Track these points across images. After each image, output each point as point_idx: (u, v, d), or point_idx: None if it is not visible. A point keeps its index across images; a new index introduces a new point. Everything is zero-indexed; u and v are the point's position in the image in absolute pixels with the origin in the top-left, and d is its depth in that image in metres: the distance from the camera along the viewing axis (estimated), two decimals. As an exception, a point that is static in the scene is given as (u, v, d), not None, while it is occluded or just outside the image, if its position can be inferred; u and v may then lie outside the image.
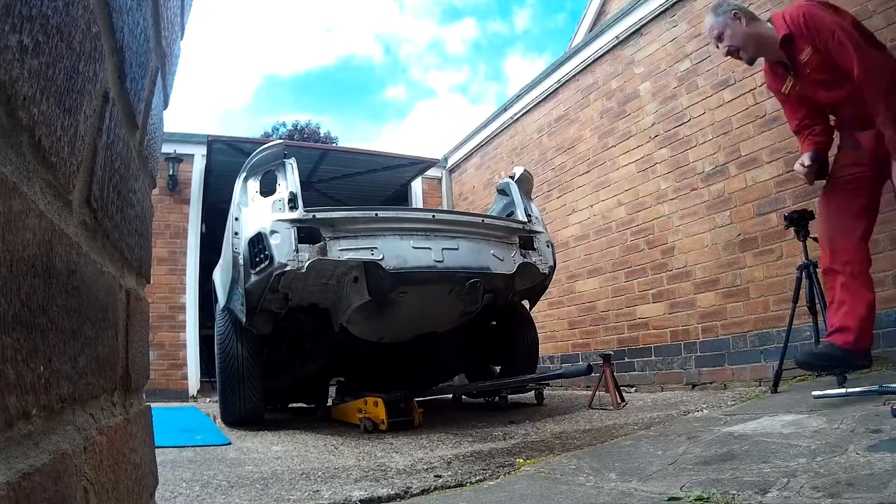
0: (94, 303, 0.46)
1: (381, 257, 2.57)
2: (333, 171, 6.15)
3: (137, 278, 0.66)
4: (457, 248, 2.78)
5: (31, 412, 0.32)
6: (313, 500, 1.39)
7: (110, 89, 0.47)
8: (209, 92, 47.32)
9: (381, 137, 43.87)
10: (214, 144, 5.79)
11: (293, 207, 2.60)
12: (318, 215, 2.62)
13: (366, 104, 47.28)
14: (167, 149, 5.66)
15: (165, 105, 0.76)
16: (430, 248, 2.69)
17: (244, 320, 2.77)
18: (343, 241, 2.59)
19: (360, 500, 1.37)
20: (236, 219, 2.80)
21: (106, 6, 0.43)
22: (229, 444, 2.47)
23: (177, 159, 5.93)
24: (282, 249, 2.49)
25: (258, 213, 2.68)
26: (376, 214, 2.74)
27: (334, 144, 12.94)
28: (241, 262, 2.67)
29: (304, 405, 4.09)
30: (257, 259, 2.57)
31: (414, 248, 2.68)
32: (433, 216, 2.93)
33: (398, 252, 2.63)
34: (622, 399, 3.21)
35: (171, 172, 5.89)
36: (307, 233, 2.55)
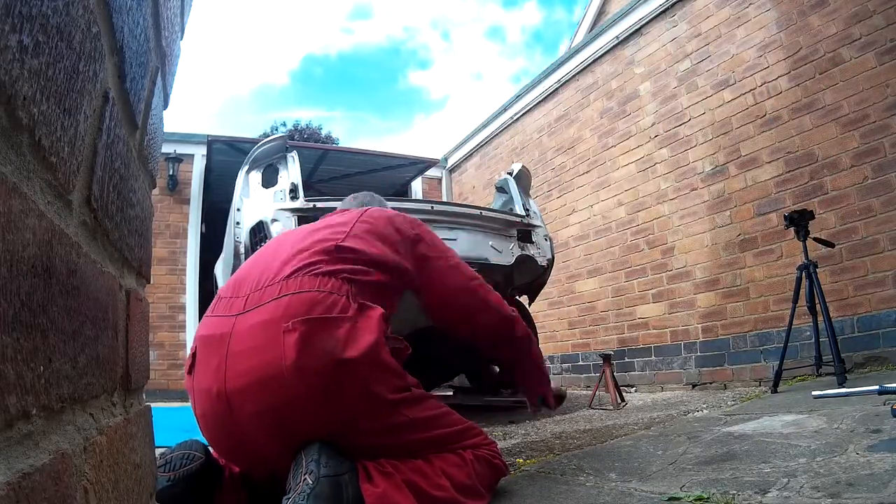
0: (94, 303, 0.46)
1: None
2: (333, 171, 6.14)
3: (137, 278, 0.66)
4: (455, 239, 2.82)
5: (31, 412, 0.32)
6: (313, 500, 1.39)
7: (110, 89, 0.47)
8: (247, 69, 46.72)
9: (424, 125, 43.44)
10: (214, 144, 5.78)
11: (294, 197, 2.65)
12: (319, 205, 2.68)
13: (412, 91, 47.13)
14: (167, 149, 5.66)
15: (165, 105, 0.76)
16: None
17: None
18: None
19: (360, 500, 1.36)
20: (238, 209, 2.84)
21: (106, 6, 0.43)
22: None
23: (177, 159, 5.93)
24: None
25: (260, 203, 2.72)
26: None
27: (335, 144, 12.97)
28: (242, 250, 2.71)
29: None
30: (258, 246, 2.60)
31: None
32: (431, 207, 2.96)
33: None
34: (622, 399, 3.20)
35: (171, 172, 5.89)
36: (308, 221, 2.59)
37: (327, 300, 1.15)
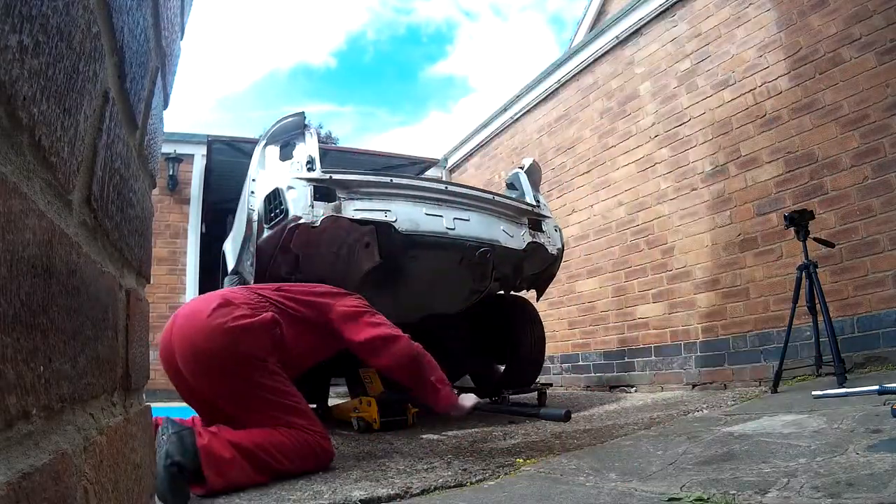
0: (94, 303, 0.46)
1: (394, 219, 2.63)
2: (333, 172, 6.14)
3: (137, 278, 0.66)
4: (468, 220, 2.85)
5: (31, 412, 0.32)
6: (314, 500, 1.39)
7: (110, 89, 0.47)
8: (289, 46, 45.74)
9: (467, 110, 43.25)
10: (214, 144, 5.79)
11: (311, 169, 2.67)
12: (335, 176, 2.69)
13: (458, 79, 46.54)
14: (167, 149, 5.66)
15: (165, 105, 0.76)
16: (441, 216, 2.75)
17: (252, 283, 2.79)
18: (357, 202, 2.64)
19: (360, 500, 1.36)
20: (253, 180, 2.85)
21: (106, 6, 0.43)
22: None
23: (177, 159, 5.93)
24: (297, 203, 2.53)
25: (276, 173, 2.74)
26: (391, 180, 2.82)
27: (334, 144, 12.99)
28: (255, 218, 2.72)
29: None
30: (272, 214, 2.62)
31: (426, 214, 2.75)
32: (446, 187, 2.99)
33: (411, 216, 2.69)
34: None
35: (171, 172, 5.89)
36: (323, 192, 2.61)
37: (244, 299, 1.88)
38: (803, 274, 2.63)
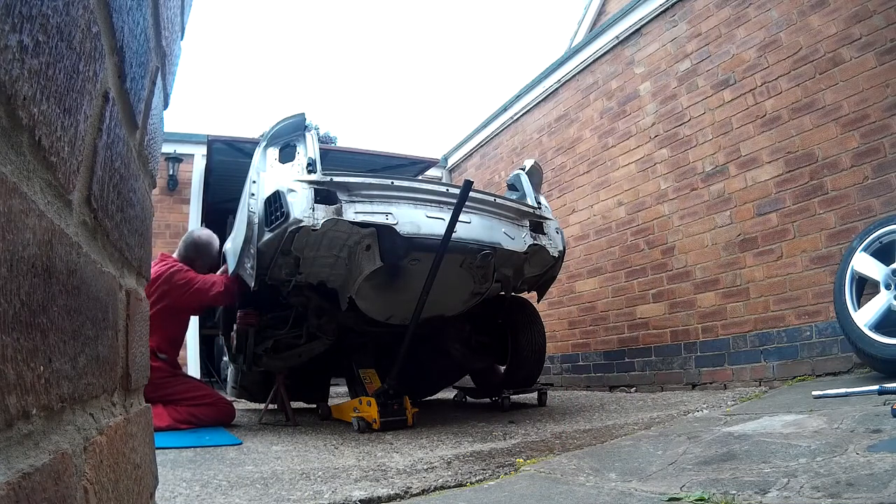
0: (94, 303, 0.46)
1: (395, 222, 2.62)
2: (334, 172, 6.14)
3: (137, 278, 0.66)
4: (469, 222, 2.85)
5: (31, 412, 0.32)
6: (314, 500, 1.39)
7: (110, 89, 0.47)
8: None
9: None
10: (214, 144, 5.80)
11: (311, 171, 2.67)
12: (336, 178, 2.69)
13: None
14: (167, 149, 5.66)
15: (165, 105, 0.76)
16: (443, 219, 2.74)
17: (252, 285, 2.80)
18: (358, 204, 2.65)
19: (360, 500, 1.37)
20: (254, 182, 2.85)
21: (106, 6, 0.43)
22: (240, 444, 2.47)
23: (177, 159, 5.93)
24: (298, 206, 2.53)
25: (277, 175, 2.74)
26: (392, 182, 2.81)
27: (333, 144, 13.00)
28: (255, 220, 2.73)
29: (305, 405, 4.09)
30: (273, 217, 2.62)
31: (428, 217, 2.74)
32: (447, 189, 2.98)
33: (412, 219, 2.69)
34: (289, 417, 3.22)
35: (171, 172, 5.89)
36: (324, 194, 2.61)
37: None
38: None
